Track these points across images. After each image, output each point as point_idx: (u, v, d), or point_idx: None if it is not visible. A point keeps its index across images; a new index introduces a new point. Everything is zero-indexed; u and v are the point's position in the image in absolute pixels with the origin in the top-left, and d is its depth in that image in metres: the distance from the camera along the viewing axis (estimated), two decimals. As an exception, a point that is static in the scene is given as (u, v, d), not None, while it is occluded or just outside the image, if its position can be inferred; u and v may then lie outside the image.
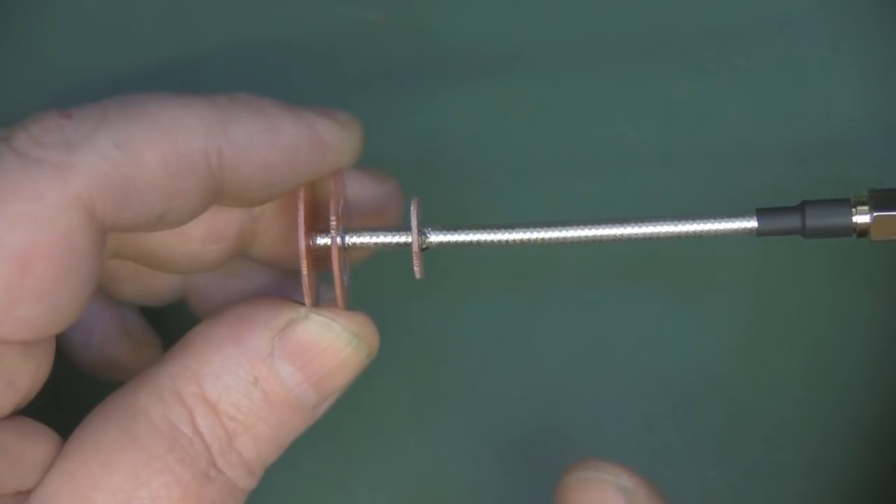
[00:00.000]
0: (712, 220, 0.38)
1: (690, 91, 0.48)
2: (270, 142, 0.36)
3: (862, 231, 0.37)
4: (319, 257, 0.38)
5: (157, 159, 0.34)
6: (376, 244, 0.38)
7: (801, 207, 0.37)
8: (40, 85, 0.47)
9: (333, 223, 0.37)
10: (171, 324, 0.45)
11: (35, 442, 0.36)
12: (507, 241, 0.38)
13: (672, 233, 0.38)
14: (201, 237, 0.38)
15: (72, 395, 0.41)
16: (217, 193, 0.36)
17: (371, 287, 0.43)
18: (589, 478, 0.38)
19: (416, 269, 0.38)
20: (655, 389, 0.47)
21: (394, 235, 0.38)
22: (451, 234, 0.38)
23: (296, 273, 0.37)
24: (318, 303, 0.38)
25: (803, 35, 0.48)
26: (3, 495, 0.35)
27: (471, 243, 0.38)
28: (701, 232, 0.38)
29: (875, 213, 0.37)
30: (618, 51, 0.48)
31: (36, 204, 0.33)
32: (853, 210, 0.37)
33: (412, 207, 0.38)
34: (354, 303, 0.39)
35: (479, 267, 0.47)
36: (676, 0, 0.48)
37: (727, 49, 0.47)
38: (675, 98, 0.48)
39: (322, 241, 0.38)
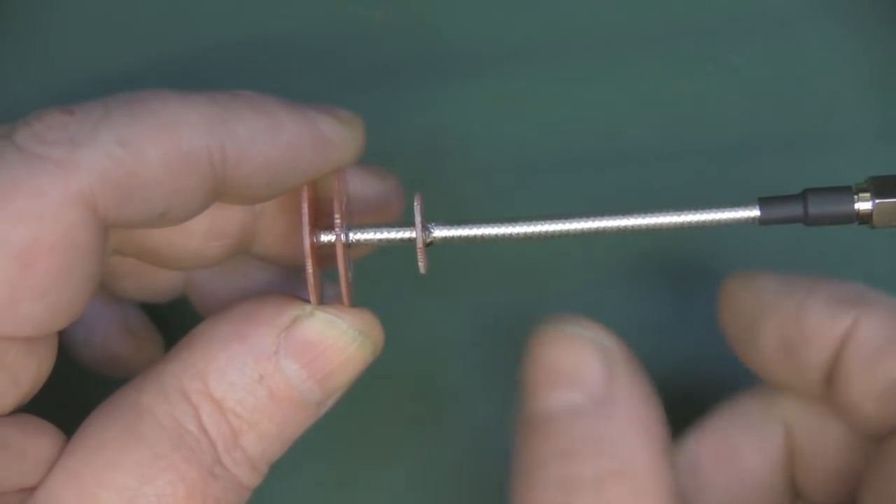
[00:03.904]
0: (715, 210, 0.38)
1: (690, 91, 0.48)
2: (273, 139, 0.36)
3: (864, 218, 0.37)
4: (322, 255, 0.38)
5: (159, 156, 0.34)
6: (380, 240, 0.38)
7: (803, 195, 0.37)
8: (41, 83, 0.47)
9: (338, 220, 0.37)
10: (173, 320, 0.45)
11: (38, 439, 0.35)
12: (510, 235, 0.38)
13: (675, 223, 0.38)
14: (203, 234, 0.38)
15: (74, 391, 0.41)
16: (219, 190, 0.36)
17: (370, 284, 0.43)
18: (568, 331, 0.38)
19: (421, 264, 0.38)
20: (656, 388, 0.47)
21: (398, 231, 0.38)
22: (455, 229, 0.38)
23: (298, 270, 0.37)
24: (322, 300, 0.38)
25: (803, 35, 0.48)
26: (5, 492, 0.35)
27: (475, 237, 0.38)
28: (704, 222, 0.38)
29: (877, 200, 0.37)
30: (618, 50, 0.48)
31: (38, 200, 0.33)
32: (855, 197, 0.37)
33: (415, 202, 0.38)
34: (358, 299, 0.39)
35: (482, 265, 0.47)
36: (676, 0, 0.48)
37: (727, 49, 0.48)
38: (675, 97, 0.48)
39: (326, 238, 0.38)
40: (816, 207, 0.37)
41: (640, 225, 0.38)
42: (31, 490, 0.35)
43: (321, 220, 0.38)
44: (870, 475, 0.36)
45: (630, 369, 0.38)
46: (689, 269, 0.47)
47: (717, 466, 0.41)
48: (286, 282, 0.42)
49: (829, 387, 0.37)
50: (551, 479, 0.36)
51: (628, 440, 0.37)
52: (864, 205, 0.37)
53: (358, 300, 0.39)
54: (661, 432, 0.37)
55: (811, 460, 0.39)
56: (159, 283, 0.42)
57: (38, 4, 0.47)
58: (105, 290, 0.42)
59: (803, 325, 0.36)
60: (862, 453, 0.38)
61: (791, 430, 0.39)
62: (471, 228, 0.38)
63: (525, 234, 0.38)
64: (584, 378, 0.37)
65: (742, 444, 0.40)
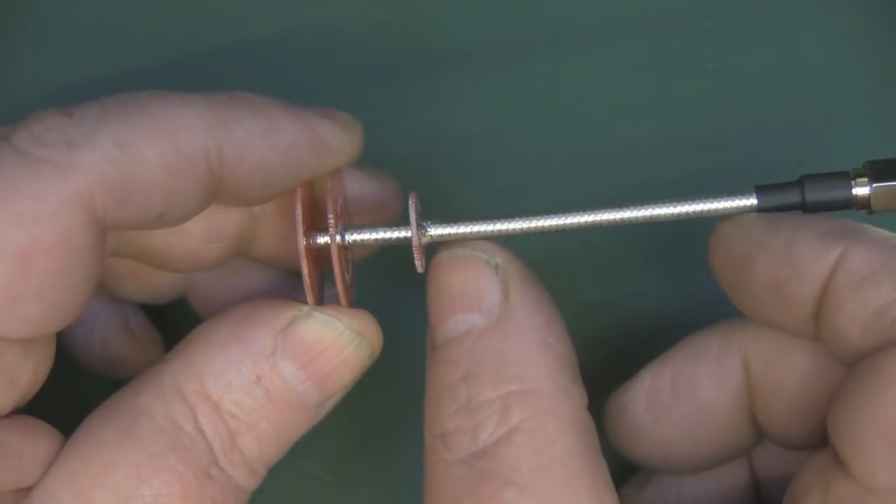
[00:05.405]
0: (712, 200, 0.38)
1: (690, 91, 0.48)
2: (270, 141, 0.36)
3: (862, 203, 0.37)
4: (322, 256, 0.38)
5: (157, 158, 0.34)
6: (376, 240, 0.38)
7: (800, 182, 0.37)
8: (40, 83, 0.47)
9: (331, 221, 0.37)
10: (173, 320, 0.45)
11: (35, 439, 0.36)
12: (507, 231, 0.38)
13: (672, 214, 0.38)
14: (201, 236, 0.38)
15: (74, 392, 0.41)
16: (216, 192, 0.36)
17: (372, 285, 0.43)
18: (461, 255, 0.38)
19: (418, 263, 0.38)
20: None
21: (394, 231, 0.38)
22: (451, 227, 0.38)
23: (298, 272, 0.37)
24: (322, 302, 0.38)
25: (803, 35, 0.48)
26: (2, 492, 0.35)
27: (470, 235, 0.38)
28: (701, 212, 0.38)
29: (874, 185, 0.37)
30: (617, 50, 0.48)
31: (37, 202, 0.33)
32: (852, 182, 0.37)
33: (410, 201, 0.38)
34: (357, 301, 0.39)
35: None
36: (676, 0, 0.48)
37: (727, 49, 0.47)
38: (675, 97, 0.48)
39: (322, 239, 0.38)
40: (814, 194, 0.37)
41: (637, 217, 0.38)
42: (28, 490, 0.35)
43: (319, 222, 0.38)
44: (841, 397, 0.35)
45: (525, 285, 0.37)
46: (689, 264, 0.47)
47: (674, 399, 0.40)
48: (286, 284, 0.42)
49: (817, 320, 0.37)
50: (457, 404, 0.36)
51: (527, 358, 0.36)
52: (861, 189, 0.37)
53: (357, 301, 0.39)
54: (562, 347, 0.37)
55: (770, 394, 0.39)
56: (159, 285, 0.42)
57: (37, 5, 0.47)
58: (104, 290, 0.42)
59: (792, 260, 0.36)
60: (824, 388, 0.38)
61: (749, 364, 0.39)
62: (466, 226, 0.38)
63: (521, 230, 0.38)
64: (479, 299, 0.37)
65: (699, 376, 0.40)
